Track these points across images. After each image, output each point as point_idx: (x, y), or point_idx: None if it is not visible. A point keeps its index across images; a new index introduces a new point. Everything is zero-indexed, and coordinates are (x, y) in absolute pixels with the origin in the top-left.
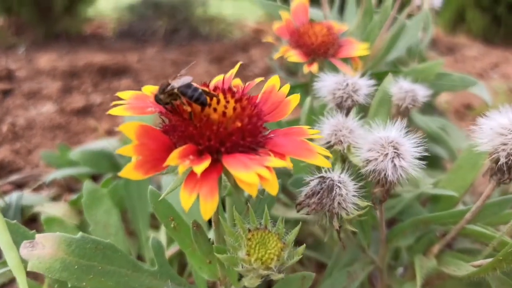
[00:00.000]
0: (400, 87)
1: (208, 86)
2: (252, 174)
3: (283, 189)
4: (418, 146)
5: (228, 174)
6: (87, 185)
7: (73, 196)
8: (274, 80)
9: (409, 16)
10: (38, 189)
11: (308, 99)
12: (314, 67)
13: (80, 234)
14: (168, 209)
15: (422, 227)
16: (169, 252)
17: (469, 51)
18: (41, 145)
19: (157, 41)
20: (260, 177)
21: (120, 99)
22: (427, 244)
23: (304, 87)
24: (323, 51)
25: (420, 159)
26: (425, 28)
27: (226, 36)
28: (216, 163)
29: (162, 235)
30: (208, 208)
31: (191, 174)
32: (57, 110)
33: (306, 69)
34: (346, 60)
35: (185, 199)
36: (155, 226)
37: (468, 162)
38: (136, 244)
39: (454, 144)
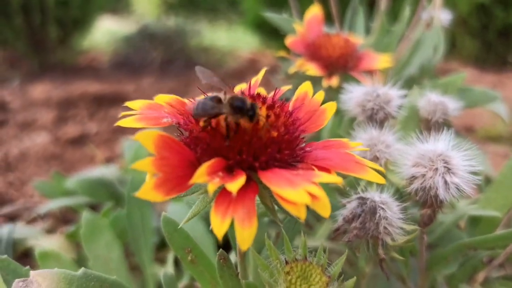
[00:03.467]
0: (429, 100)
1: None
2: (301, 191)
3: None
4: (469, 160)
5: (262, 194)
6: (86, 215)
7: (70, 228)
8: (306, 86)
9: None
10: (32, 221)
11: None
12: (334, 81)
13: (82, 270)
14: (185, 239)
15: (464, 253)
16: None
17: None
18: (35, 176)
19: (153, 72)
20: (310, 195)
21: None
22: (471, 272)
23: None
24: (342, 64)
25: (473, 174)
26: (436, 46)
27: (221, 66)
28: (248, 182)
29: (169, 269)
30: (246, 236)
31: (222, 194)
32: (52, 140)
33: (325, 83)
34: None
35: (217, 225)
36: (160, 260)
37: (510, 178)
38: (139, 280)
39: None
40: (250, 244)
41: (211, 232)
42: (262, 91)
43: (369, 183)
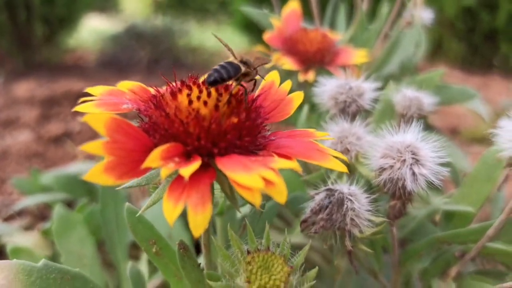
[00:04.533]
0: (404, 95)
1: (197, 81)
2: (254, 176)
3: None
4: (438, 151)
5: (221, 181)
6: (59, 210)
7: (47, 225)
8: (274, 75)
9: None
10: (9, 218)
11: (306, 108)
12: (310, 75)
13: (42, 261)
14: (149, 230)
15: (437, 248)
16: (151, 284)
17: (449, 78)
18: (16, 174)
19: (140, 71)
20: (265, 181)
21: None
22: (443, 266)
23: None
24: (319, 59)
25: (442, 165)
26: (417, 44)
27: (209, 66)
28: (207, 168)
29: (143, 266)
30: (199, 221)
31: (177, 180)
32: (34, 138)
33: (301, 78)
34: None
35: (169, 210)
36: (136, 256)
37: (483, 173)
38: (115, 277)
39: (456, 163)
40: (203, 230)
41: (187, 226)
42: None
43: (340, 176)
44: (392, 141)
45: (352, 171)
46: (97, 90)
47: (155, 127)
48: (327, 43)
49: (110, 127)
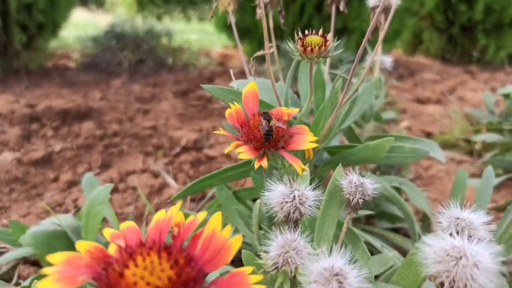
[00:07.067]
0: (350, 181)
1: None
2: None
3: None
4: (361, 275)
5: None
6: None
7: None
8: (215, 222)
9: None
10: None
11: (258, 203)
12: (264, 162)
13: None
14: None
15: None
16: None
17: (429, 73)
18: None
19: (122, 73)
20: None
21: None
22: None
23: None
24: (273, 145)
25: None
26: (378, 91)
27: (192, 65)
28: None
29: None
30: None
31: None
32: (14, 160)
33: (256, 164)
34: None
35: None
36: None
37: (418, 259)
38: None
39: (413, 202)
40: None
41: None
42: (180, 216)
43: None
44: (322, 268)
45: (294, 280)
46: (57, 258)
47: None
48: (281, 128)
49: None
